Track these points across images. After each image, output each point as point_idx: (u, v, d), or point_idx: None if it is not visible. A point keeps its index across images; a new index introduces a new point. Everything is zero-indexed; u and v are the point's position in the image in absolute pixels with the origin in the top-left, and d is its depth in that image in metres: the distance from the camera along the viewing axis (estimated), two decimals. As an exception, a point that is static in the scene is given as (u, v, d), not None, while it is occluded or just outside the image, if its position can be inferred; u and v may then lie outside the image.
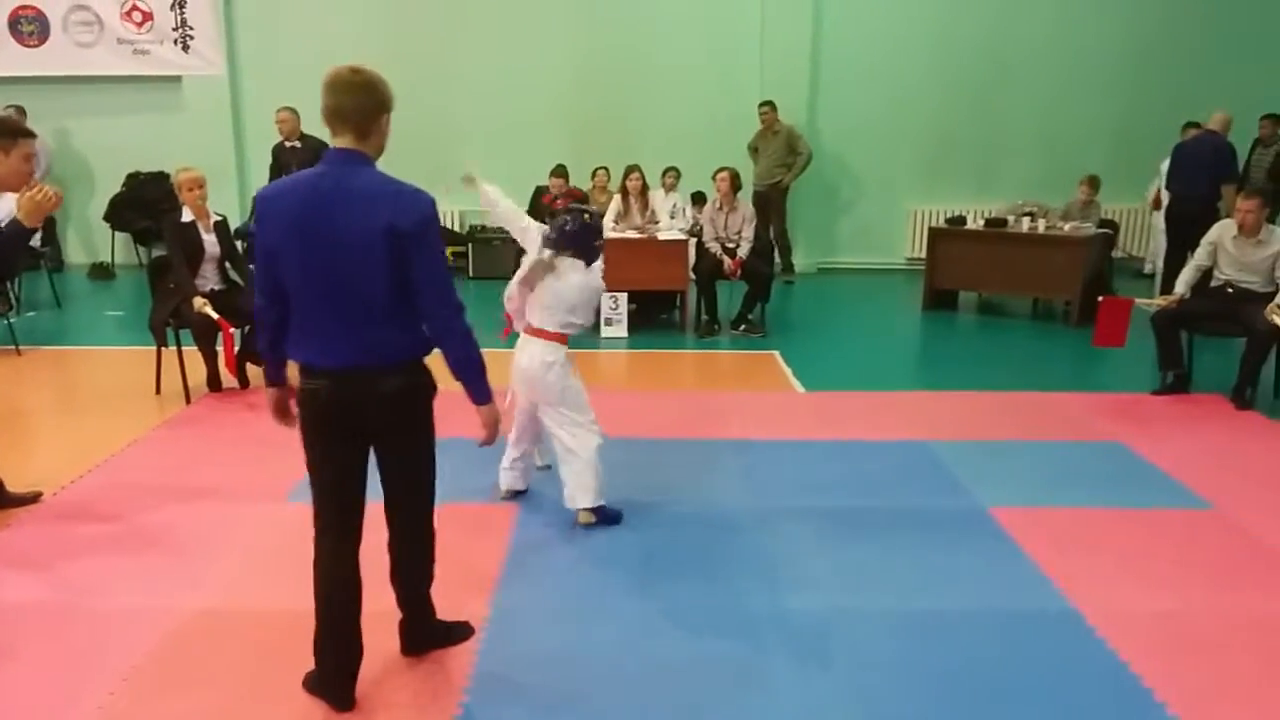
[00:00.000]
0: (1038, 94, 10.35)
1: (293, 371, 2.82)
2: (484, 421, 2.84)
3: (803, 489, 4.52)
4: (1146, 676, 3.04)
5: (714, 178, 7.77)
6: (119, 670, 3.02)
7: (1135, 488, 4.58)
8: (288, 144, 8.28)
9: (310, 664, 2.88)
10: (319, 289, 2.60)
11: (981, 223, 8.51)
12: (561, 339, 4.01)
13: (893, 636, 3.27)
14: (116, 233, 10.48)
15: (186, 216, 5.70)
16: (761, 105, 9.68)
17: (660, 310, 8.29)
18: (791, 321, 8.22)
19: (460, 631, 3.21)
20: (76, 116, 10.41)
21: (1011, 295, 8.76)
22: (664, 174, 8.77)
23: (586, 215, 4.04)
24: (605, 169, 8.95)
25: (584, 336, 7.57)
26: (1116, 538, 4.04)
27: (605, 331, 7.56)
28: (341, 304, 2.60)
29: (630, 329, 7.61)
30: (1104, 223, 8.77)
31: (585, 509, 4.05)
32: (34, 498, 4.29)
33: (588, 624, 3.34)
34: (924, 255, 8.86)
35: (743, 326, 7.64)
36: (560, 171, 8.25)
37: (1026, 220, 8.29)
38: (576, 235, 3.95)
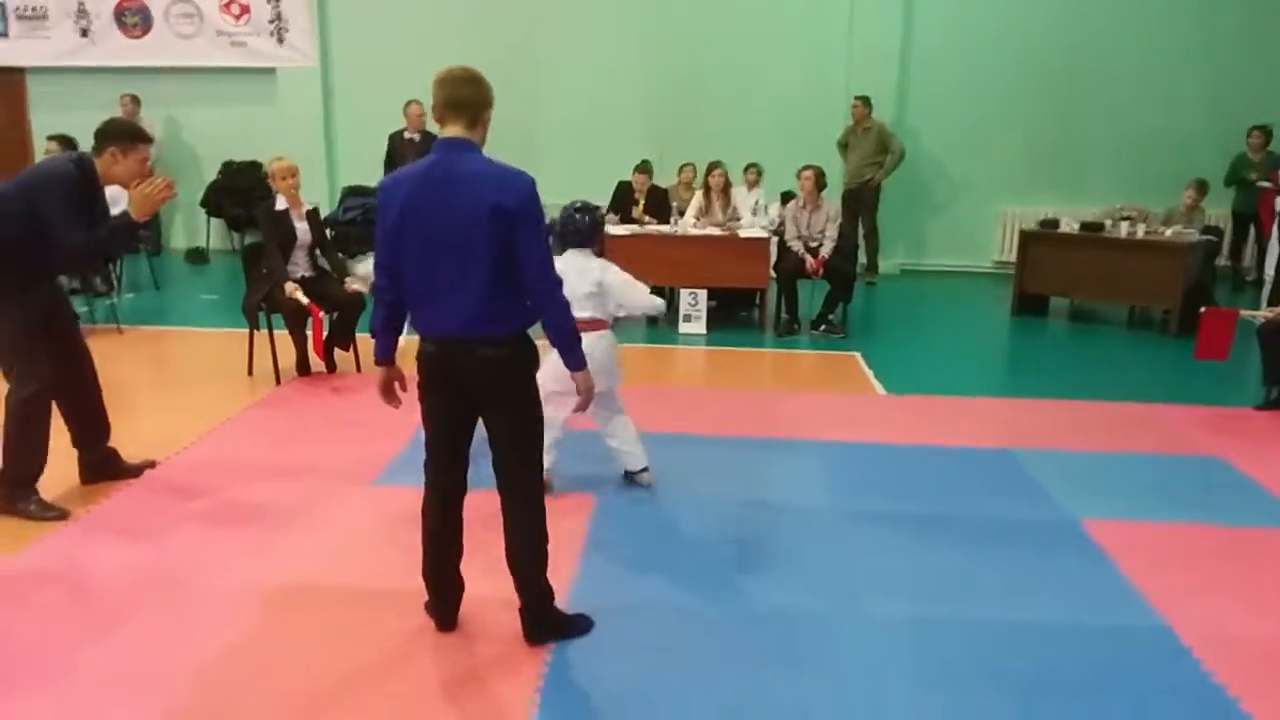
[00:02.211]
0: (1138, 94, 10.02)
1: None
2: (581, 387, 3.07)
3: (885, 493, 4.43)
4: (1245, 699, 2.90)
5: (798, 176, 7.69)
6: (214, 643, 3.09)
7: (1236, 505, 4.38)
8: (407, 135, 8.39)
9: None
10: (432, 266, 2.81)
11: (1076, 226, 8.25)
12: (604, 324, 4.18)
13: (974, 646, 3.19)
14: (212, 219, 10.82)
15: (280, 204, 5.84)
16: (855, 99, 9.54)
17: (739, 308, 8.24)
18: (874, 323, 8.09)
19: (580, 623, 3.21)
20: (175, 105, 10.77)
21: (1106, 302, 8.48)
22: (745, 170, 8.72)
23: (597, 209, 4.33)
24: (691, 165, 8.93)
25: (663, 333, 7.64)
26: (1215, 556, 3.88)
27: (684, 328, 7.54)
28: (451, 279, 2.80)
29: (709, 326, 7.57)
30: (1207, 229, 8.44)
31: (647, 469, 4.34)
32: (147, 466, 4.49)
33: (661, 614, 3.32)
34: (1013, 258, 8.64)
35: (823, 327, 7.54)
36: (644, 167, 8.25)
37: (1125, 224, 8.01)
38: (589, 231, 4.20)
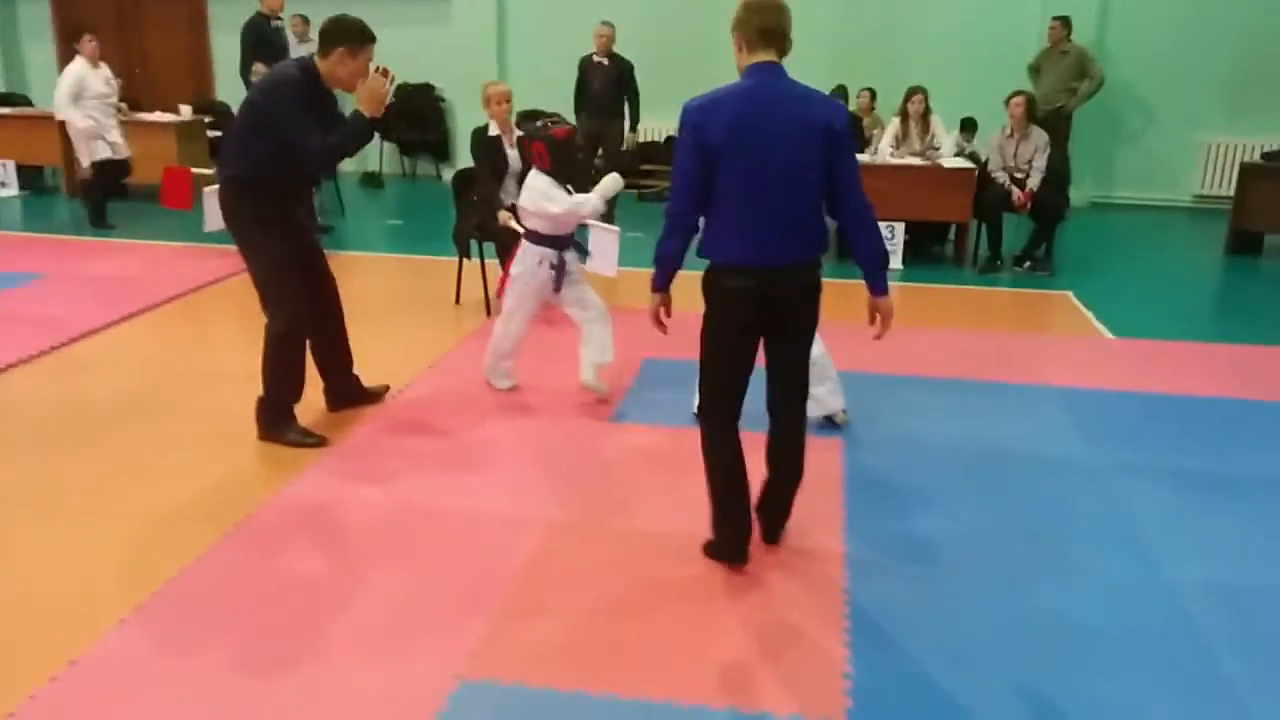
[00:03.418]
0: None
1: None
2: (887, 311, 3.06)
3: (1141, 445, 4.20)
4: None
5: (1007, 103, 7.27)
6: (509, 574, 3.11)
7: None
8: (596, 59, 8.22)
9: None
10: (757, 188, 2.84)
11: (1304, 158, 7.63)
12: None
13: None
14: (385, 143, 10.95)
15: (493, 130, 5.81)
16: (1053, 20, 8.94)
17: (932, 243, 7.91)
18: (1077, 260, 7.65)
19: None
20: (350, 29, 10.84)
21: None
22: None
23: None
24: (869, 90, 8.58)
25: (854, 267, 7.35)
26: None
27: (877, 262, 7.28)
28: (778, 202, 2.85)
29: (902, 261, 7.30)
30: None
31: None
32: (385, 390, 4.57)
33: (940, 573, 3.22)
34: (1218, 192, 8.07)
35: (1028, 263, 7.19)
36: (839, 93, 7.93)
37: (1362, 157, 7.37)
38: None
